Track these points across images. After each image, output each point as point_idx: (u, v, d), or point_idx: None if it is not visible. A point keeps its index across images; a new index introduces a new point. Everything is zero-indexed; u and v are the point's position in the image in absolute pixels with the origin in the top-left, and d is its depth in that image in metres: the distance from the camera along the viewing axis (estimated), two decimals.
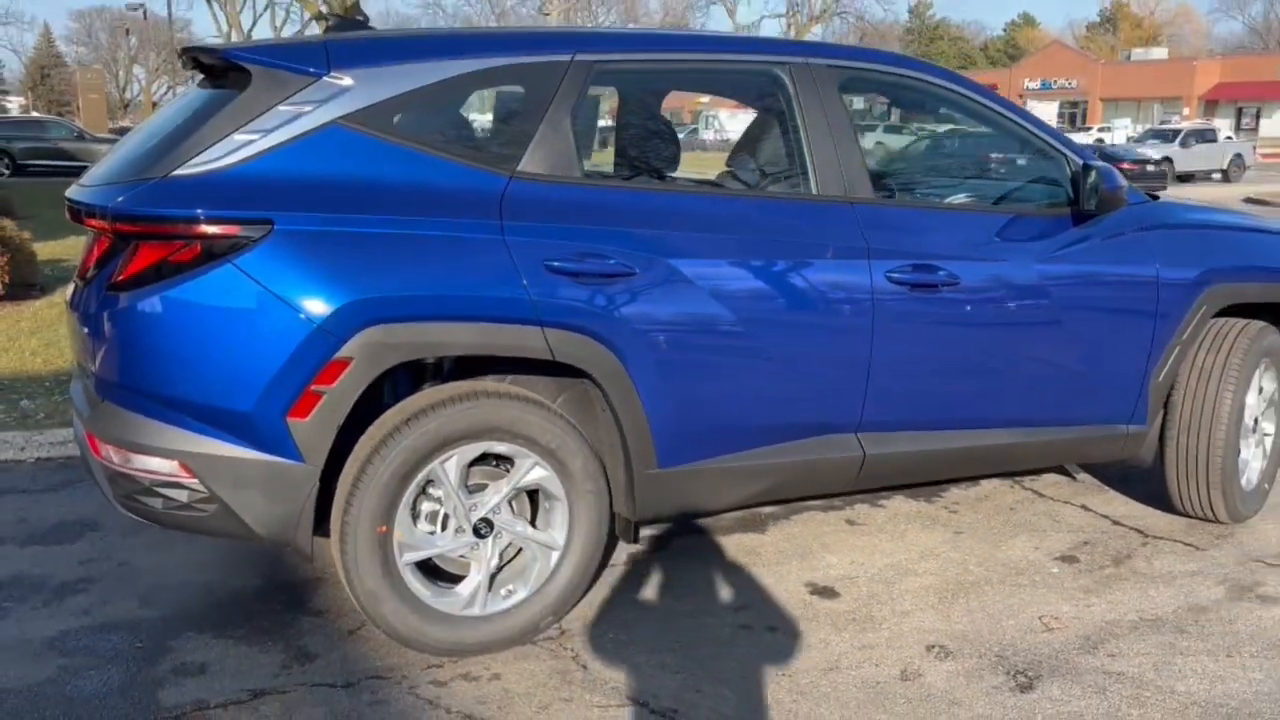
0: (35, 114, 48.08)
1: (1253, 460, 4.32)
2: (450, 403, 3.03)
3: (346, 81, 3.02)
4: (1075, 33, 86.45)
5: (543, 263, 3.04)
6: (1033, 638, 3.32)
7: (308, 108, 2.98)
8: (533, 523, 3.25)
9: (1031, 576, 3.78)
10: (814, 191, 3.48)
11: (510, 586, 3.22)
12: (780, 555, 3.94)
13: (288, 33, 45.30)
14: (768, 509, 4.34)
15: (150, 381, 2.90)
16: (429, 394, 3.08)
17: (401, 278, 2.93)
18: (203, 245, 2.83)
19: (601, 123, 4.03)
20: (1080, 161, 3.81)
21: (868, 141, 4.97)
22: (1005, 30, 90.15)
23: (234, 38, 47.65)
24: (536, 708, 2.91)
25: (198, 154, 2.90)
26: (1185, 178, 28.96)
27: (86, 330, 3.01)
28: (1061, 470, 4.85)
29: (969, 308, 3.63)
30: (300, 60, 3.05)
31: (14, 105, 75.77)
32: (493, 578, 3.20)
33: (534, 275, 3.02)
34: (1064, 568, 3.86)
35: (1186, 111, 54.42)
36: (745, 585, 3.69)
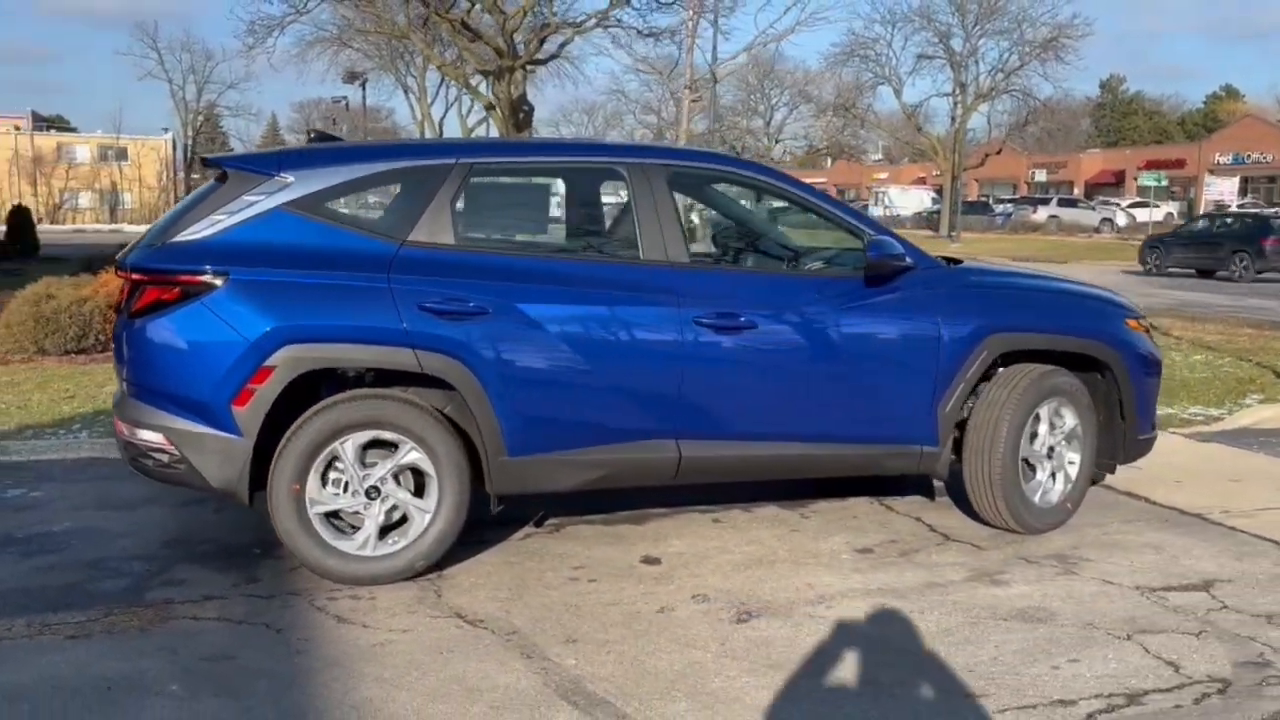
0: None
1: (1052, 482, 5.18)
2: (346, 401, 4.35)
3: (290, 179, 4.44)
4: None
5: (416, 304, 4.34)
6: (780, 595, 4.35)
7: (261, 197, 4.40)
8: (420, 493, 4.50)
9: (822, 560, 4.78)
10: (640, 256, 4.68)
11: (395, 537, 4.48)
12: (639, 538, 5.06)
13: (471, 120, 48.67)
14: (655, 509, 5.47)
15: (148, 379, 4.34)
16: (336, 396, 4.40)
17: (312, 312, 4.29)
18: (182, 289, 4.27)
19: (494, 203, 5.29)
20: (869, 236, 4.87)
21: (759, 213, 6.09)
22: (1205, 102, 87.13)
23: (426, 127, 51.37)
24: (388, 615, 4.14)
25: (189, 227, 4.36)
26: None
27: (118, 346, 4.48)
28: (925, 491, 5.76)
29: (765, 347, 4.73)
30: (260, 165, 4.49)
31: None
32: (385, 531, 4.46)
33: (409, 312, 4.33)
34: (856, 556, 4.84)
35: None
36: (596, 556, 4.83)
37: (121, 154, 62.54)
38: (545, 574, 4.59)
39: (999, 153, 54.75)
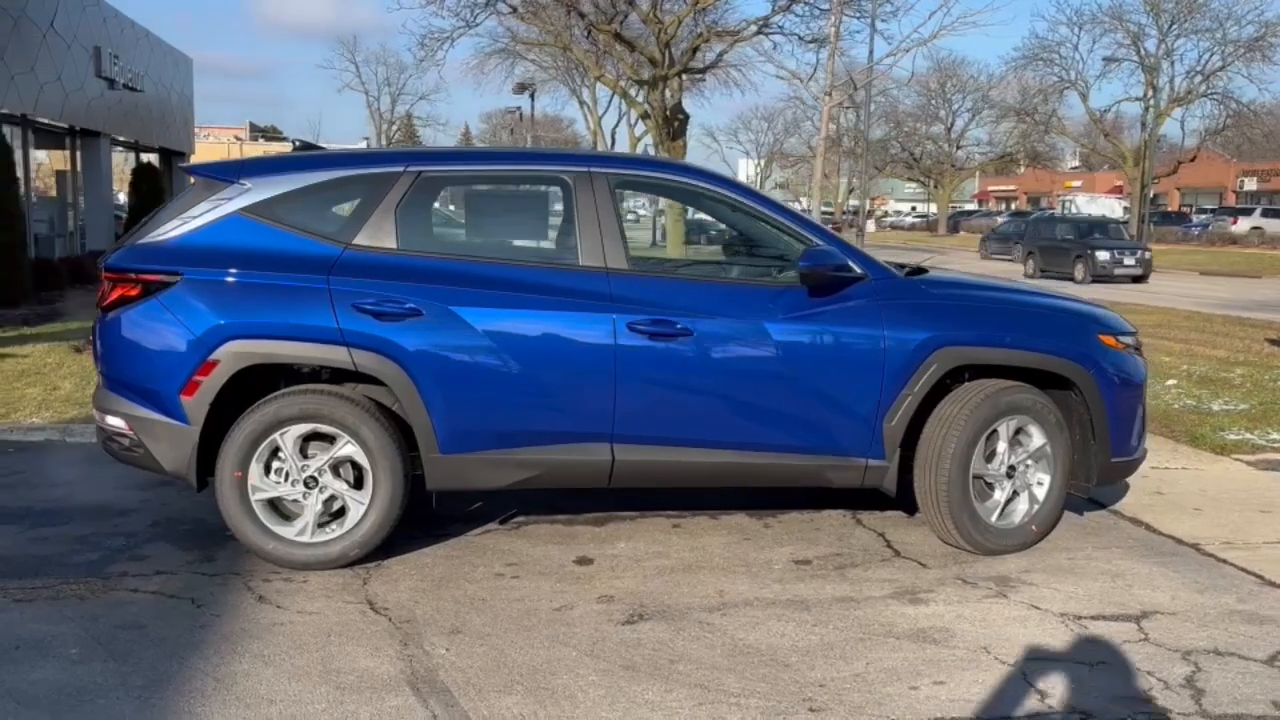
0: None
1: (1015, 503, 5.01)
2: (285, 396, 4.63)
3: (248, 185, 4.76)
4: None
5: (352, 304, 4.58)
6: (684, 601, 4.38)
7: (222, 202, 4.74)
8: (359, 485, 4.74)
9: (753, 569, 4.77)
10: (579, 262, 4.79)
11: (333, 526, 4.73)
12: (590, 539, 5.16)
13: (639, 130, 49.28)
14: (624, 513, 5.56)
15: (114, 370, 4.73)
16: (279, 391, 4.68)
17: (255, 310, 4.58)
18: (143, 286, 4.63)
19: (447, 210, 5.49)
20: (811, 245, 4.84)
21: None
22: None
23: (597, 137, 52.28)
24: (308, 598, 4.39)
25: (158, 230, 4.73)
26: None
27: (93, 339, 4.89)
28: (907, 507, 5.63)
29: (701, 355, 4.75)
30: (223, 173, 4.83)
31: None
32: (327, 520, 4.71)
33: (344, 312, 4.58)
34: (791, 567, 4.81)
35: None
36: (536, 554, 4.96)
37: None
38: (477, 568, 4.75)
39: (1193, 160, 51.71)
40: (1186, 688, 3.67)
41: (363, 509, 4.71)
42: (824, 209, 51.89)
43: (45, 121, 20.32)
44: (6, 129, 18.23)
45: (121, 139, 25.12)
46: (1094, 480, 5.13)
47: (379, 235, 4.73)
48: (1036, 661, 3.85)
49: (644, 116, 32.28)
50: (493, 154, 5.54)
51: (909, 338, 4.83)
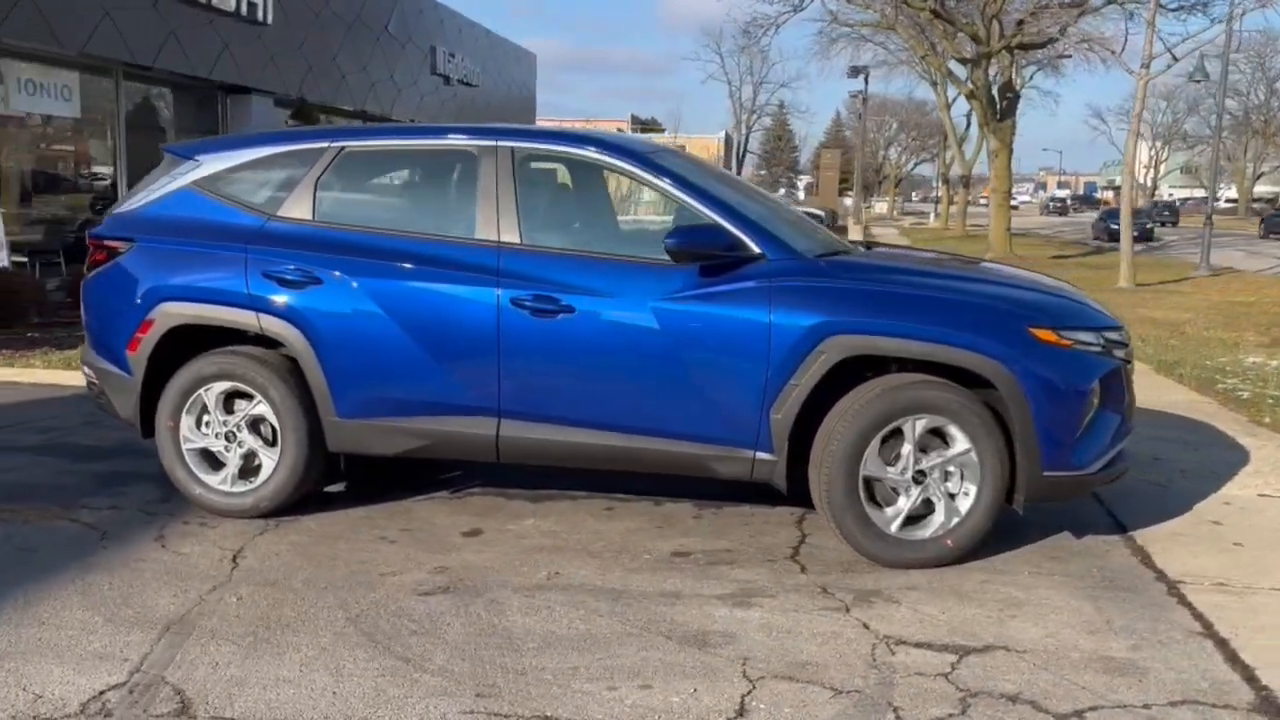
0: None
1: (931, 514, 4.48)
2: (207, 356, 5.03)
3: (201, 162, 5.21)
4: None
5: (262, 272, 4.90)
6: (501, 578, 4.32)
7: (179, 177, 5.21)
8: (275, 443, 5.05)
9: (623, 556, 4.61)
10: (474, 236, 4.82)
11: (252, 479, 5.07)
12: (512, 513, 5.19)
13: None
14: (575, 492, 5.52)
15: (88, 325, 5.35)
16: (206, 353, 5.07)
17: (184, 275, 5.01)
18: (107, 252, 5.20)
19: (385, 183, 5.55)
20: (698, 223, 4.57)
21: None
22: None
23: (947, 117, 50.07)
24: (195, 543, 4.76)
25: (128, 202, 5.30)
26: None
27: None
28: None
29: (583, 333, 4.64)
30: (185, 151, 5.31)
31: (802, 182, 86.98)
32: (251, 473, 5.06)
33: (255, 280, 4.91)
34: (663, 558, 4.60)
35: None
36: (441, 522, 5.06)
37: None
38: (371, 532, 4.92)
39: None
40: None
41: (273, 464, 5.01)
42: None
43: (378, 114, 22.49)
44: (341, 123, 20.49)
45: None
46: (1021, 498, 4.47)
47: (298, 207, 5.01)
48: (780, 681, 3.47)
49: (969, 96, 30.87)
50: (412, 130, 5.65)
51: (796, 324, 4.45)
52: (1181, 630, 3.96)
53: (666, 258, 4.63)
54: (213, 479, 5.09)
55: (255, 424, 5.06)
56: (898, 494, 4.50)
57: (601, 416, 4.70)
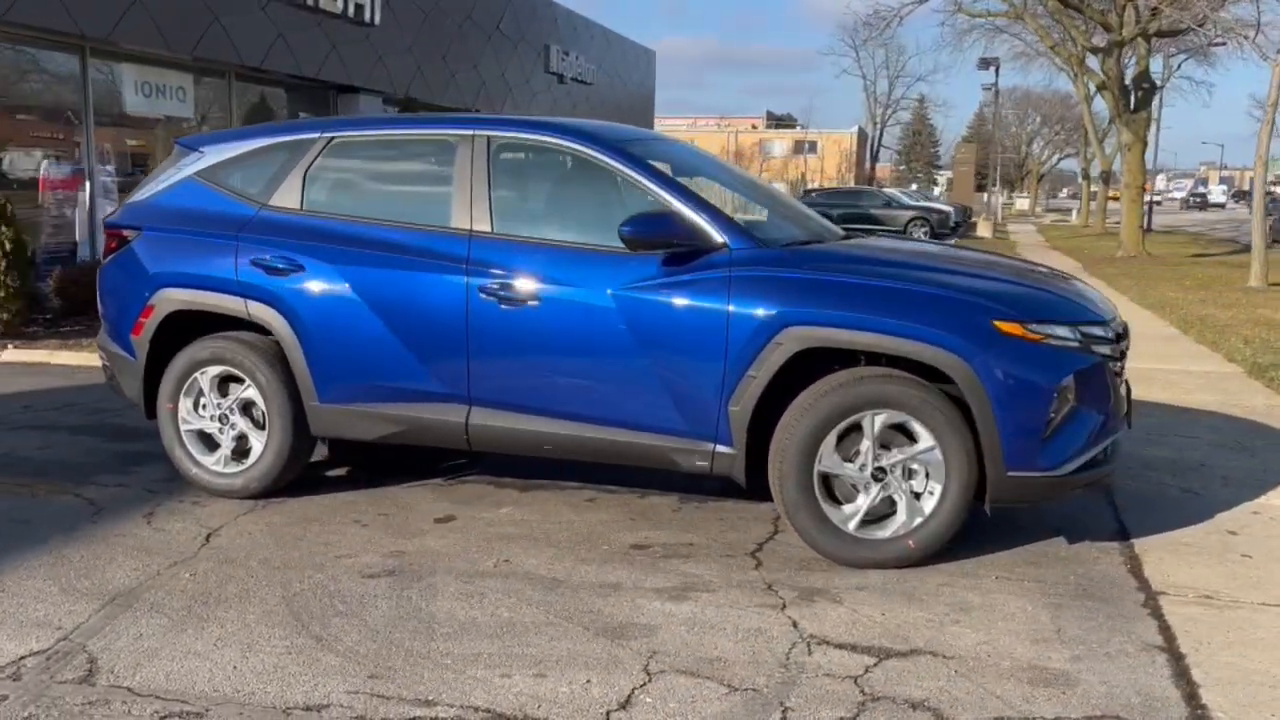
0: (853, 185, 54.19)
1: (893, 513, 4.32)
2: (201, 340, 5.20)
3: (205, 153, 5.39)
4: None
5: (250, 259, 5.05)
6: (459, 565, 4.35)
7: (185, 168, 5.41)
8: (265, 426, 5.19)
9: (581, 547, 4.59)
10: (449, 225, 4.86)
11: (245, 462, 5.22)
12: (494, 501, 5.22)
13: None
14: (563, 482, 5.52)
15: (102, 311, 5.58)
16: (202, 338, 5.24)
17: (182, 262, 5.20)
18: (118, 240, 5.43)
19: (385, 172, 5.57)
20: (654, 211, 4.50)
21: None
22: None
23: (1087, 108, 48.11)
24: (180, 520, 4.93)
25: (139, 192, 5.52)
26: None
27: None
28: None
29: (547, 321, 4.64)
30: (192, 143, 5.50)
31: (943, 178, 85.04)
32: (255, 459, 5.21)
33: (244, 267, 5.06)
34: (621, 550, 4.55)
35: None
36: (421, 509, 5.12)
37: (812, 147, 67.72)
38: (348, 516, 5.01)
39: None
40: None
41: (261, 446, 5.16)
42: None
43: (489, 113, 22.89)
44: None
45: None
46: (987, 499, 4.26)
47: (287, 196, 5.14)
48: (679, 676, 3.39)
49: (1100, 87, 29.64)
50: (398, 120, 5.71)
51: (753, 315, 4.34)
52: (1137, 643, 3.72)
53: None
54: (208, 459, 5.26)
55: (246, 407, 5.21)
56: (857, 491, 4.35)
57: (567, 406, 4.69)
